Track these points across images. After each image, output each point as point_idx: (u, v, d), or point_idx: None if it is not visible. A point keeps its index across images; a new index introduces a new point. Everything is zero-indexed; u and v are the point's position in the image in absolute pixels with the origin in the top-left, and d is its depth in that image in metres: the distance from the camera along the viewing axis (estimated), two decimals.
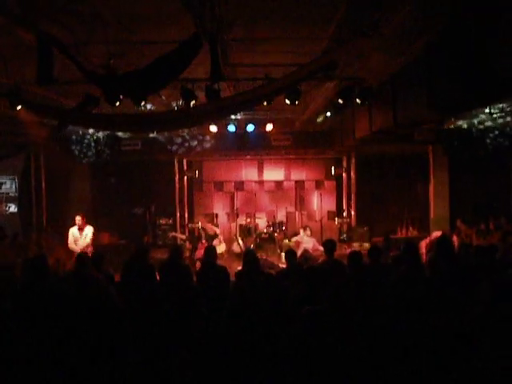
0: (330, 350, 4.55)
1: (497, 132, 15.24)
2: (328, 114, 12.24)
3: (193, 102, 9.69)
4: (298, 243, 14.41)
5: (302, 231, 14.65)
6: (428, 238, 12.06)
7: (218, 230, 15.41)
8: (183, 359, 4.89)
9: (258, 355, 4.75)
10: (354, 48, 8.02)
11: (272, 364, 4.64)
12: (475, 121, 14.63)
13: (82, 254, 9.35)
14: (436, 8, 7.11)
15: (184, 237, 16.03)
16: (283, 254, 13.92)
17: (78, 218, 12.39)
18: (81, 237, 12.32)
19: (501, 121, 14.33)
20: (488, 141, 15.24)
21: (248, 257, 8.18)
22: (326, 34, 8.22)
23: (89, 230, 12.37)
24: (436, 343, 4.94)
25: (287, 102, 9.89)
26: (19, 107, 9.78)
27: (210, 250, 8.96)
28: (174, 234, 16.13)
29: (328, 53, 8.33)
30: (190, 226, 17.01)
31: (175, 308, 5.78)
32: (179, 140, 16.59)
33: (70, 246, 12.40)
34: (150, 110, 12.10)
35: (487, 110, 13.38)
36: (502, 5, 6.32)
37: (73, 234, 12.37)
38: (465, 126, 15.04)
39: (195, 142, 16.64)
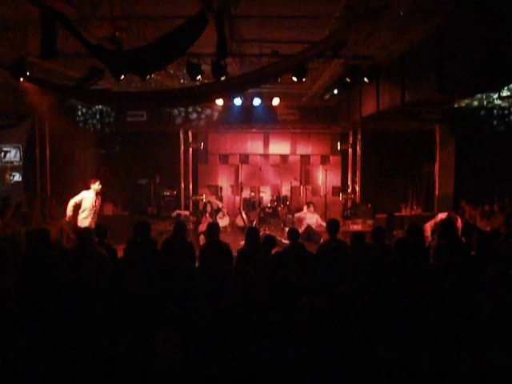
0: (331, 338, 4.56)
1: (506, 111, 15.11)
2: (335, 91, 12.11)
3: (199, 77, 9.62)
4: (301, 219, 14.39)
5: (305, 207, 14.62)
6: (433, 219, 11.98)
7: (220, 204, 15.41)
8: (181, 339, 4.89)
9: (259, 340, 4.75)
10: (363, 27, 7.92)
11: (273, 348, 4.65)
12: (483, 100, 14.48)
13: (86, 229, 9.37)
14: None
15: (187, 213, 15.98)
16: (287, 229, 13.93)
17: (98, 183, 11.38)
18: (97, 201, 11.38)
19: (508, 101, 14.21)
20: (495, 121, 15.10)
21: (250, 236, 8.14)
22: (335, 13, 8.08)
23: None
24: (436, 333, 4.93)
25: (294, 79, 9.80)
26: (22, 79, 9.70)
27: (213, 226, 8.91)
28: (177, 212, 16.05)
29: (337, 32, 8.21)
30: (194, 198, 17.00)
31: (176, 289, 5.78)
32: (185, 112, 16.52)
33: (68, 206, 11.08)
34: (156, 87, 11.95)
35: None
36: None
37: (86, 197, 11.20)
38: (473, 104, 14.89)
39: (201, 114, 16.58)
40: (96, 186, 11.34)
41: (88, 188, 11.28)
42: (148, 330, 5.02)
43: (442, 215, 12.14)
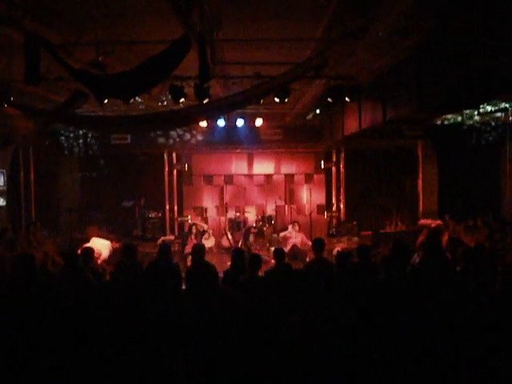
0: (318, 358, 4.58)
1: (487, 127, 15.29)
2: (318, 111, 12.24)
3: (182, 100, 9.68)
4: (286, 238, 14.45)
5: (290, 226, 14.69)
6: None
7: (205, 226, 15.44)
8: (170, 363, 4.90)
9: (246, 361, 4.77)
10: (344, 48, 8.03)
11: (260, 370, 4.67)
12: (464, 116, 14.65)
13: (71, 251, 9.36)
14: (426, 8, 7.09)
15: (173, 237, 15.93)
16: (272, 249, 13.96)
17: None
18: None
19: (489, 117, 14.38)
20: (476, 136, 15.28)
21: (236, 257, 8.17)
22: (316, 34, 8.21)
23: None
24: (424, 349, 4.97)
25: (277, 100, 9.90)
26: (5, 105, 9.72)
27: (198, 248, 8.94)
28: (162, 238, 15.92)
29: (318, 53, 8.33)
30: (179, 219, 17.01)
31: (161, 313, 5.79)
32: (168, 134, 16.60)
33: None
34: (139, 110, 12.03)
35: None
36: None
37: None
38: (454, 120, 15.05)
39: (185, 136, 16.67)
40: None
41: None
42: (136, 352, 5.03)
43: (432, 223, 12.30)
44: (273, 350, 4.79)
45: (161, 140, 16.72)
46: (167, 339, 5.27)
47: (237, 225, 16.24)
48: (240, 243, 15.07)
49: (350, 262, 8.18)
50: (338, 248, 13.47)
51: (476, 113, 13.69)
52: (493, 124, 15.25)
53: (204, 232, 15.03)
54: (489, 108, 13.24)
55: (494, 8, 6.18)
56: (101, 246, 11.68)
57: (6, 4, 6.59)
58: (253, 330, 5.15)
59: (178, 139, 16.73)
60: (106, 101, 9.12)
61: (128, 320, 5.70)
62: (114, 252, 12.08)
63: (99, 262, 11.04)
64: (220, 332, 5.11)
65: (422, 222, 13.83)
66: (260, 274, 7.89)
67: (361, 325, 5.27)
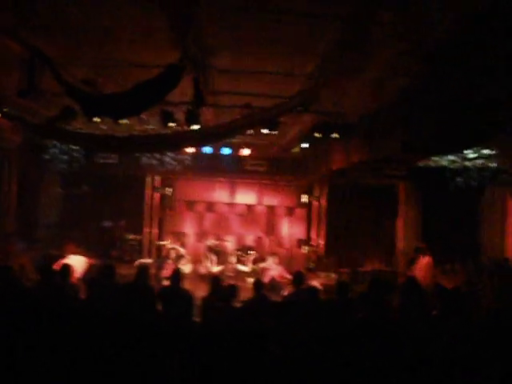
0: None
1: (470, 171, 15.45)
2: (304, 145, 12.34)
3: (171, 124, 9.74)
4: (265, 270, 14.41)
5: (269, 258, 14.67)
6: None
7: (183, 251, 15.38)
8: None
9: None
10: (334, 86, 8.15)
11: None
12: (447, 161, 14.82)
13: (48, 267, 9.31)
14: (413, 53, 7.22)
15: (150, 260, 15.80)
16: (250, 279, 13.92)
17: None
18: None
19: (471, 162, 14.56)
20: (459, 179, 15.43)
21: (214, 284, 8.20)
22: (307, 71, 8.33)
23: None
24: None
25: (265, 131, 9.99)
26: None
27: (176, 273, 8.97)
28: (139, 261, 15.84)
29: (308, 89, 8.44)
30: (158, 243, 16.94)
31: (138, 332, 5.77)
32: (153, 157, 16.59)
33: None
34: (126, 132, 12.04)
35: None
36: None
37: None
38: (437, 164, 15.20)
39: (170, 161, 16.67)
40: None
41: None
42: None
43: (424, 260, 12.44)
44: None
45: (145, 162, 16.70)
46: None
47: (215, 253, 16.17)
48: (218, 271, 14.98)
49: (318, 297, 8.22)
50: (315, 283, 13.47)
51: (459, 158, 13.88)
52: (474, 169, 15.41)
53: (182, 257, 14.95)
54: (471, 155, 13.46)
55: (482, 56, 6.33)
56: (76, 262, 11.56)
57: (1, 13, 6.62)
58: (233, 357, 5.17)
59: (162, 163, 16.72)
60: (95, 119, 9.15)
61: (107, 336, 5.68)
62: (88, 268, 11.99)
63: (74, 277, 11.01)
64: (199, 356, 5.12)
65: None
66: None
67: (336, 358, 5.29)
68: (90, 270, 11.90)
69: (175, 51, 7.02)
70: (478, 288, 11.06)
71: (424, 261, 12.38)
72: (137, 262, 14.96)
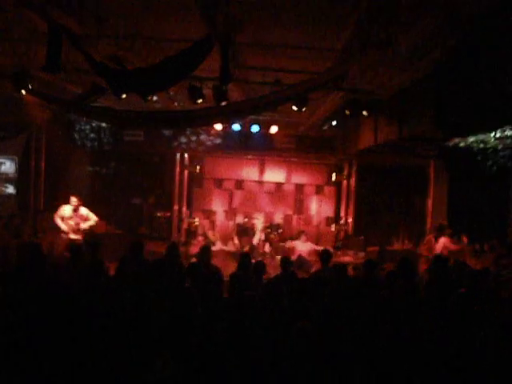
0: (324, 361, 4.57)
1: (500, 152, 15.18)
2: (334, 122, 12.21)
3: (200, 101, 9.70)
4: (293, 248, 14.40)
5: (302, 236, 14.66)
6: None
7: (211, 233, 15.44)
8: (173, 360, 4.87)
9: (250, 361, 4.75)
10: (365, 61, 7.99)
11: (262, 372, 4.65)
12: (477, 140, 14.56)
13: (76, 244, 9.39)
14: (449, 24, 7.04)
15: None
16: (278, 257, 13.91)
17: (74, 200, 12.14)
18: (75, 217, 12.10)
19: (506, 141, 14.27)
20: (489, 161, 15.17)
21: (243, 261, 8.19)
22: (338, 45, 8.19)
23: (86, 211, 12.23)
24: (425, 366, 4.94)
25: (294, 108, 9.89)
26: (23, 92, 9.74)
27: (205, 249, 8.98)
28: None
29: (338, 65, 8.31)
30: (187, 220, 16.99)
31: (170, 308, 5.78)
32: (182, 134, 16.60)
33: (55, 220, 12.08)
34: (157, 107, 12.04)
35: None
36: None
37: (64, 210, 12.09)
38: (469, 143, 14.96)
39: (199, 138, 16.68)
40: (72, 201, 12.14)
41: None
42: (141, 351, 5.00)
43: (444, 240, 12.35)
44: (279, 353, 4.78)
45: (174, 140, 16.72)
46: (174, 339, 5.24)
47: (244, 230, 16.19)
48: (246, 249, 15.00)
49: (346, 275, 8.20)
50: (344, 260, 13.47)
51: (493, 135, 13.60)
52: (504, 149, 15.13)
53: (211, 235, 15.06)
54: (507, 132, 13.17)
55: None
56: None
57: None
58: (260, 333, 5.15)
59: (191, 140, 16.72)
60: (123, 96, 9.13)
61: (134, 316, 5.70)
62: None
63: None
64: (228, 334, 5.11)
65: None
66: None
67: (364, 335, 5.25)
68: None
69: (202, 26, 6.94)
70: (506, 269, 10.89)
71: (443, 239, 12.32)
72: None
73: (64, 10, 7.14)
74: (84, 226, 12.05)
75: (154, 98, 11.53)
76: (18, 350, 4.92)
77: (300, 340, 4.63)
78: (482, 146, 14.80)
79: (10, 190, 15.35)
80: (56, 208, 12.39)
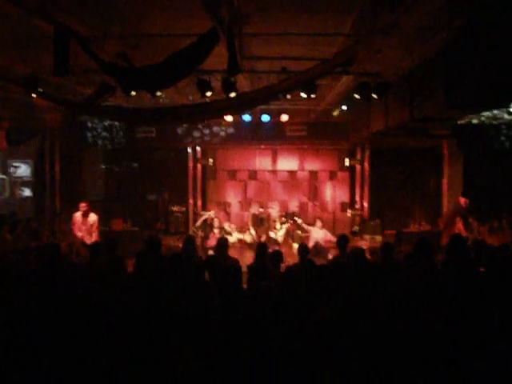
0: (343, 349, 4.58)
1: None
2: (344, 107, 12.18)
3: (209, 93, 9.73)
4: (309, 235, 14.41)
5: (318, 222, 14.66)
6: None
7: (227, 224, 15.46)
8: (192, 355, 4.91)
9: (268, 352, 4.76)
10: (372, 44, 7.96)
11: (281, 362, 4.66)
12: (490, 117, 14.47)
13: (95, 243, 9.46)
14: (456, 4, 7.00)
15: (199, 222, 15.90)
16: (295, 245, 13.95)
17: (83, 205, 12.12)
18: (84, 223, 12.09)
19: None
20: (503, 137, 15.09)
21: (260, 251, 8.21)
22: (344, 30, 8.17)
23: (94, 218, 12.26)
24: (446, 346, 4.94)
25: (303, 95, 9.88)
26: (34, 95, 9.81)
27: (222, 241, 9.00)
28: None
29: (346, 49, 8.27)
30: (202, 214, 17.05)
31: (187, 302, 5.81)
32: (194, 128, 16.65)
33: (74, 230, 12.13)
34: (166, 103, 12.07)
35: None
36: None
37: (76, 218, 12.12)
38: (481, 120, 14.87)
39: (210, 131, 16.73)
40: (81, 207, 12.08)
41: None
42: (160, 345, 5.04)
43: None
44: (297, 341, 4.79)
45: (186, 134, 16.79)
46: (192, 331, 5.27)
47: (260, 220, 16.21)
48: (263, 238, 15.03)
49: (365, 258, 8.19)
50: (361, 244, 13.45)
51: (503, 113, 13.51)
52: None
53: (227, 227, 15.08)
54: None
55: None
56: None
57: None
58: (278, 322, 5.17)
59: (203, 133, 16.79)
60: (133, 93, 9.18)
61: (152, 313, 5.74)
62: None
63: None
64: (245, 324, 5.13)
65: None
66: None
67: (383, 320, 5.26)
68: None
69: (207, 19, 6.94)
70: None
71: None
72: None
73: (70, 13, 7.19)
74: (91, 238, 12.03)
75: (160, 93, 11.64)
76: (38, 350, 4.98)
77: (319, 327, 4.65)
78: (494, 122, 14.72)
79: (27, 193, 15.50)
80: (72, 210, 12.46)
